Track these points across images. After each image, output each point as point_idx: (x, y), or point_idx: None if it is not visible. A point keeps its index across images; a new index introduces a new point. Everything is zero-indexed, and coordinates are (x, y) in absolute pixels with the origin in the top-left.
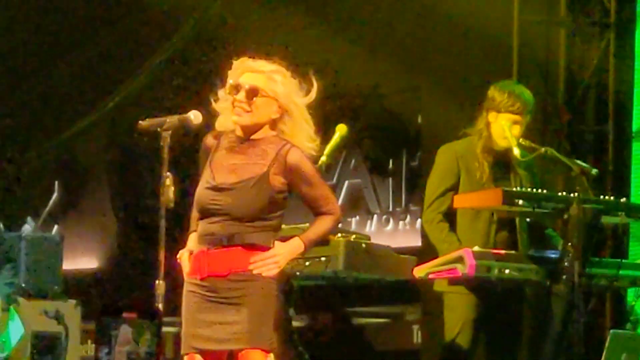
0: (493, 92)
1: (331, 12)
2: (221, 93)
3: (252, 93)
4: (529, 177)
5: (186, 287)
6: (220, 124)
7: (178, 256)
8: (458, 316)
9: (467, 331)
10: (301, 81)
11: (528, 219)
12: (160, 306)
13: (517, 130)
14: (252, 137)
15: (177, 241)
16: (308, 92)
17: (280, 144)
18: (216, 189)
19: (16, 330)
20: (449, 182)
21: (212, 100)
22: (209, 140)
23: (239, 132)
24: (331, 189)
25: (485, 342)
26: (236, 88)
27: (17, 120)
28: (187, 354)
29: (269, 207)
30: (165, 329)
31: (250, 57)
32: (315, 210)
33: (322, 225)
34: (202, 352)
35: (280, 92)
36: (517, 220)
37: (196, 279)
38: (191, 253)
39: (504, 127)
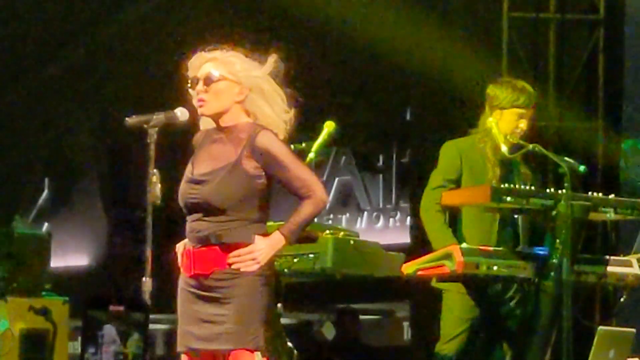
0: (494, 90)
1: (321, 6)
2: (192, 92)
3: (209, 79)
4: (531, 175)
5: (180, 283)
6: (203, 123)
7: (176, 249)
8: (456, 315)
9: (465, 331)
10: (261, 63)
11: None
12: (147, 303)
13: (524, 123)
14: (226, 124)
15: (166, 237)
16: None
17: (252, 129)
18: (194, 181)
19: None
20: (449, 175)
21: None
22: (195, 138)
23: (214, 123)
24: (311, 171)
25: (483, 342)
26: (195, 81)
27: (7, 117)
28: (183, 352)
29: (246, 195)
30: (155, 326)
31: (205, 51)
32: (294, 194)
33: (302, 212)
34: (196, 351)
35: (237, 70)
36: (519, 218)
37: (187, 276)
38: (185, 246)
39: (507, 123)
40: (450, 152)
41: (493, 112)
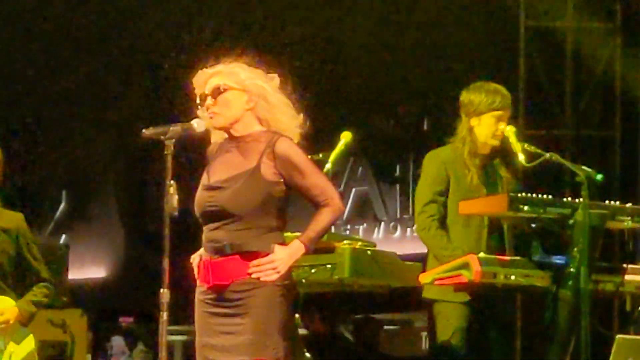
0: (468, 96)
1: (338, 16)
2: (200, 112)
3: (217, 91)
4: (512, 179)
5: (197, 295)
6: (214, 136)
7: (191, 260)
8: (450, 325)
9: (458, 340)
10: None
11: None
12: (165, 315)
13: (503, 125)
14: (239, 133)
15: (183, 249)
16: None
17: (269, 136)
18: (211, 188)
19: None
20: (438, 187)
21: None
22: (209, 151)
23: (226, 135)
24: (328, 179)
25: (478, 351)
26: (203, 97)
27: (25, 130)
28: None
29: (264, 201)
30: (174, 337)
31: (207, 67)
32: (312, 202)
33: (321, 220)
34: None
35: (243, 79)
36: (504, 225)
37: (204, 287)
38: (201, 258)
39: (486, 127)
40: (434, 163)
41: (470, 119)
